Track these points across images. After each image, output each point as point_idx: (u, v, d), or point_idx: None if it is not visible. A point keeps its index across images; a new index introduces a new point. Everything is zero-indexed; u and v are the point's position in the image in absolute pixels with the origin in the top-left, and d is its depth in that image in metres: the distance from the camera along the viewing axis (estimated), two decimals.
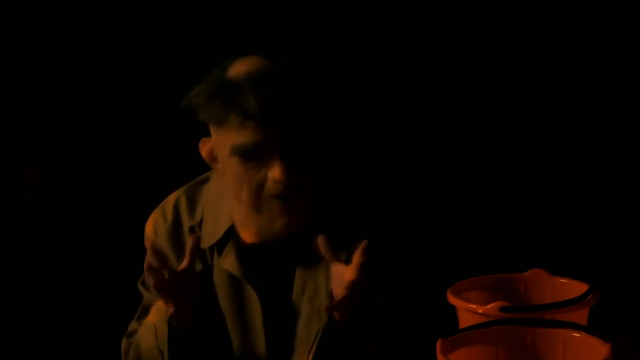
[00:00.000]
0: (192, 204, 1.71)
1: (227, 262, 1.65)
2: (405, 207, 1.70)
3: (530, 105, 2.61)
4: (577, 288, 1.40)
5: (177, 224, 1.70)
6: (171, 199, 1.74)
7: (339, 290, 1.49)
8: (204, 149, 1.64)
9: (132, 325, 1.73)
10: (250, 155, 1.54)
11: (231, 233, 1.65)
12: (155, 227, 1.71)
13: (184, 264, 1.53)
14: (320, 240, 1.50)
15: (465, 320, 1.36)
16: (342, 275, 1.48)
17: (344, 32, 2.58)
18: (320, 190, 1.63)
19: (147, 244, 1.71)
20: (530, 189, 2.64)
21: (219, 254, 1.67)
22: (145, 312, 1.70)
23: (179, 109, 1.68)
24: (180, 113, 1.68)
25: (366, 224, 1.64)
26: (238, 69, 1.55)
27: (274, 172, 1.53)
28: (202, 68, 1.64)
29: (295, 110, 1.55)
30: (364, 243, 1.45)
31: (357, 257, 1.45)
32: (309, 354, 1.59)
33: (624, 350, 1.57)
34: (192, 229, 1.68)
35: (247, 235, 1.62)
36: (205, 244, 1.67)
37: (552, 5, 2.55)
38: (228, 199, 1.64)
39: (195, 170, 1.77)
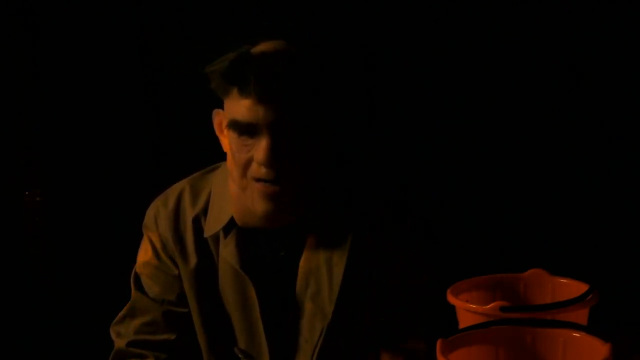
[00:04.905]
0: (196, 193, 1.68)
1: (227, 252, 1.61)
2: (404, 207, 1.69)
3: (530, 105, 2.61)
4: (577, 288, 1.40)
5: (178, 213, 1.67)
6: (175, 188, 1.71)
7: None
8: (215, 119, 1.62)
9: (118, 343, 1.70)
10: (243, 132, 1.51)
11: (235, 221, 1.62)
12: (155, 215, 1.68)
13: None
14: None
15: (465, 320, 1.36)
16: None
17: (344, 32, 2.58)
18: (321, 186, 1.61)
19: (145, 230, 1.70)
20: (530, 189, 2.64)
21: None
22: (132, 313, 1.69)
23: (178, 108, 1.68)
24: (181, 112, 1.68)
25: (366, 218, 1.63)
26: (259, 47, 1.53)
27: (258, 154, 1.49)
28: (202, 68, 1.63)
29: (294, 96, 1.51)
30: None
31: None
32: (313, 353, 1.59)
33: (624, 350, 1.57)
34: (195, 220, 1.65)
35: (238, 217, 1.60)
36: (209, 232, 1.63)
37: (552, 5, 2.55)
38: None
39: (196, 170, 1.77)
